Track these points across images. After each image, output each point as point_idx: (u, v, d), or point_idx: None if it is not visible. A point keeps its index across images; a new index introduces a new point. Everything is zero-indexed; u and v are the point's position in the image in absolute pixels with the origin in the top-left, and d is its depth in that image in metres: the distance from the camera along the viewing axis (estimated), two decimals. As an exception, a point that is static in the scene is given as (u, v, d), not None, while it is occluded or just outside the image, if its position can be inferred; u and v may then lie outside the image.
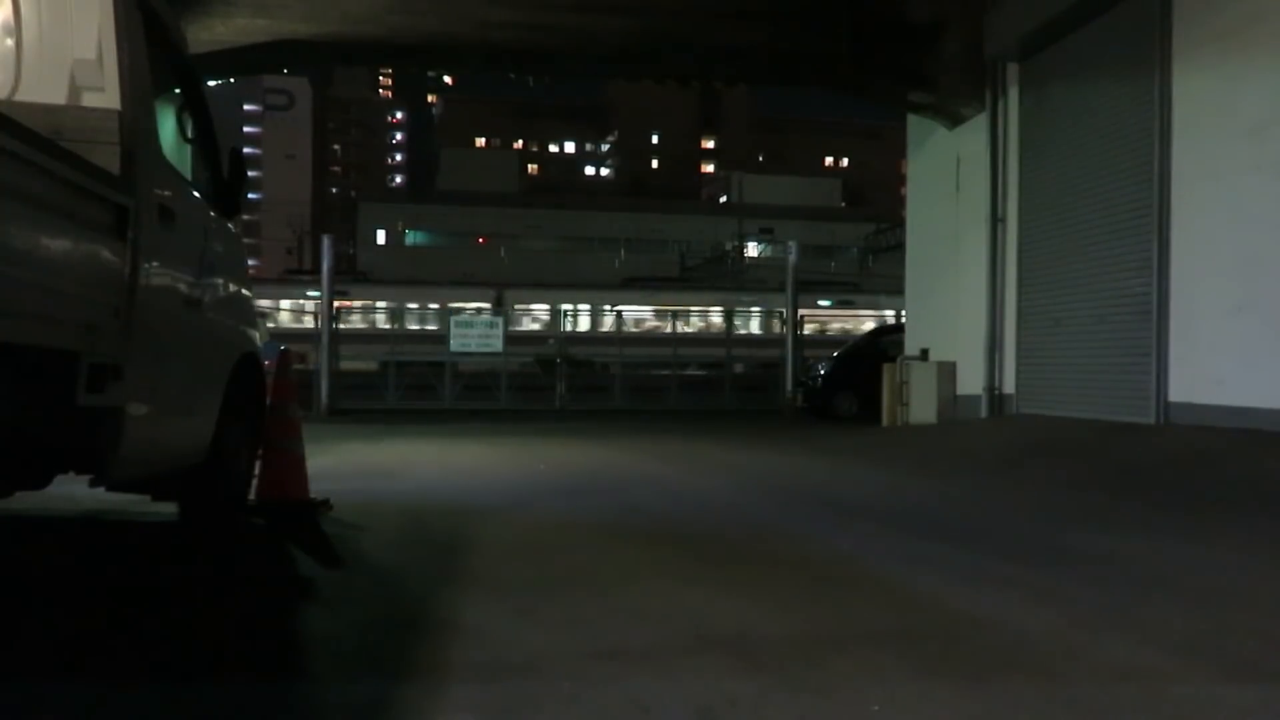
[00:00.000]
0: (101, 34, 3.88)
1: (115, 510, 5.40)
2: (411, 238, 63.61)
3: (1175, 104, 9.37)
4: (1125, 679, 2.80)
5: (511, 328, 20.61)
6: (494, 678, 2.76)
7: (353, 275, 34.63)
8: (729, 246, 52.04)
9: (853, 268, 54.51)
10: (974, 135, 12.84)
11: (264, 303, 23.82)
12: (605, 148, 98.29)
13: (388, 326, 25.86)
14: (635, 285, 34.79)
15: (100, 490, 3.93)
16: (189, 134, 4.76)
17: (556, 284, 33.53)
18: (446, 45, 13.15)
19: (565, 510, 6.16)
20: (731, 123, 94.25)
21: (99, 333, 3.49)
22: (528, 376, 20.03)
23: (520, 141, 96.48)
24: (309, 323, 22.49)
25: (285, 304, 29.80)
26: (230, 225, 5.12)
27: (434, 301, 29.20)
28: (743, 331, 28.43)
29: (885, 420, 13.93)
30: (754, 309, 30.16)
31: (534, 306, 30.80)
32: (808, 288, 32.31)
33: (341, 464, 8.40)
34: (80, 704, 2.53)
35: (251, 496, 5.48)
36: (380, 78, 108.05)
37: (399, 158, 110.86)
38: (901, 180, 23.31)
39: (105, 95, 3.87)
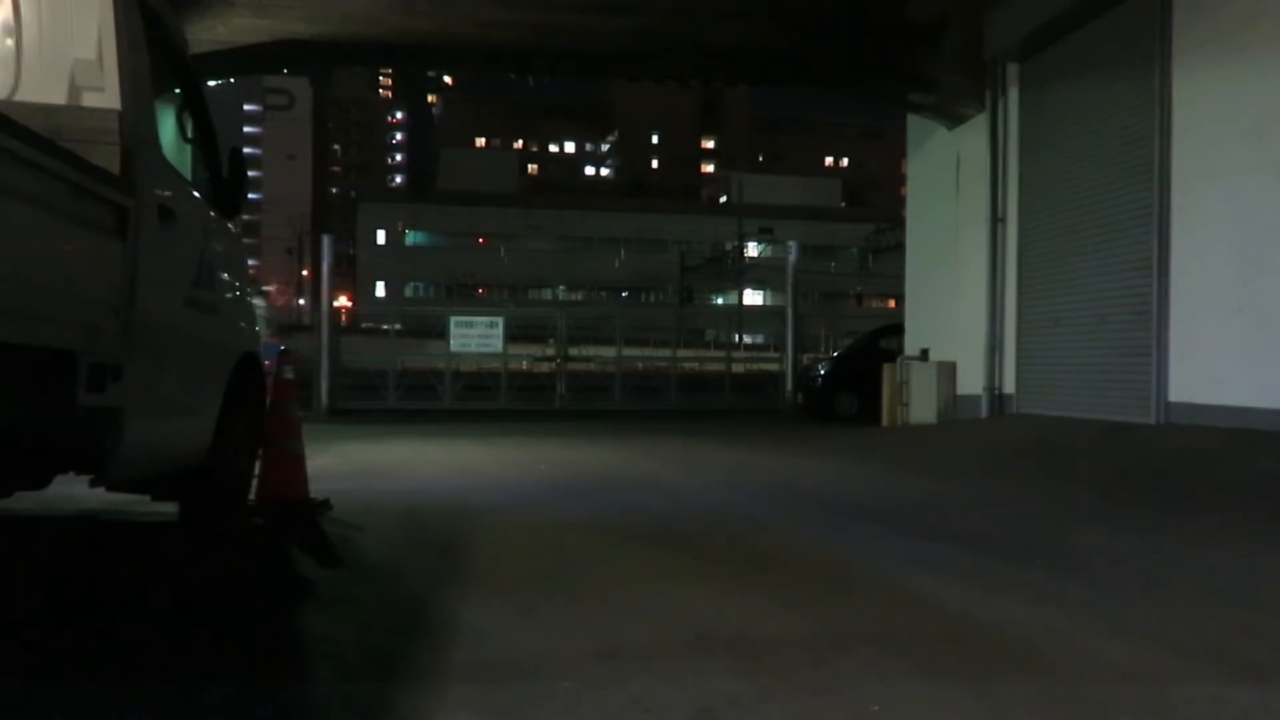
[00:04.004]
0: (101, 34, 3.88)
1: (115, 510, 5.40)
2: (411, 238, 63.64)
3: (1175, 104, 9.37)
4: (1126, 679, 2.80)
5: None
6: (494, 678, 2.76)
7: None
8: (729, 246, 52.04)
9: (853, 267, 54.60)
10: (974, 135, 12.84)
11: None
12: (605, 148, 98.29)
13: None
14: None
15: (100, 490, 3.94)
16: (189, 134, 4.76)
17: None
18: (446, 45, 13.14)
19: (565, 510, 6.16)
20: (731, 123, 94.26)
21: (99, 333, 3.49)
22: (528, 376, 19.98)
23: (520, 141, 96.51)
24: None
25: None
26: (230, 225, 5.12)
27: None
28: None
29: (885, 420, 13.93)
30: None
31: None
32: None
33: (341, 464, 8.40)
34: (80, 704, 2.53)
35: (251, 496, 5.48)
36: (380, 78, 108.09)
37: (399, 158, 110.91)
38: (901, 180, 23.30)
39: (105, 95, 3.87)
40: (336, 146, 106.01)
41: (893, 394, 13.84)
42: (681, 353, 19.89)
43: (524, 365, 20.06)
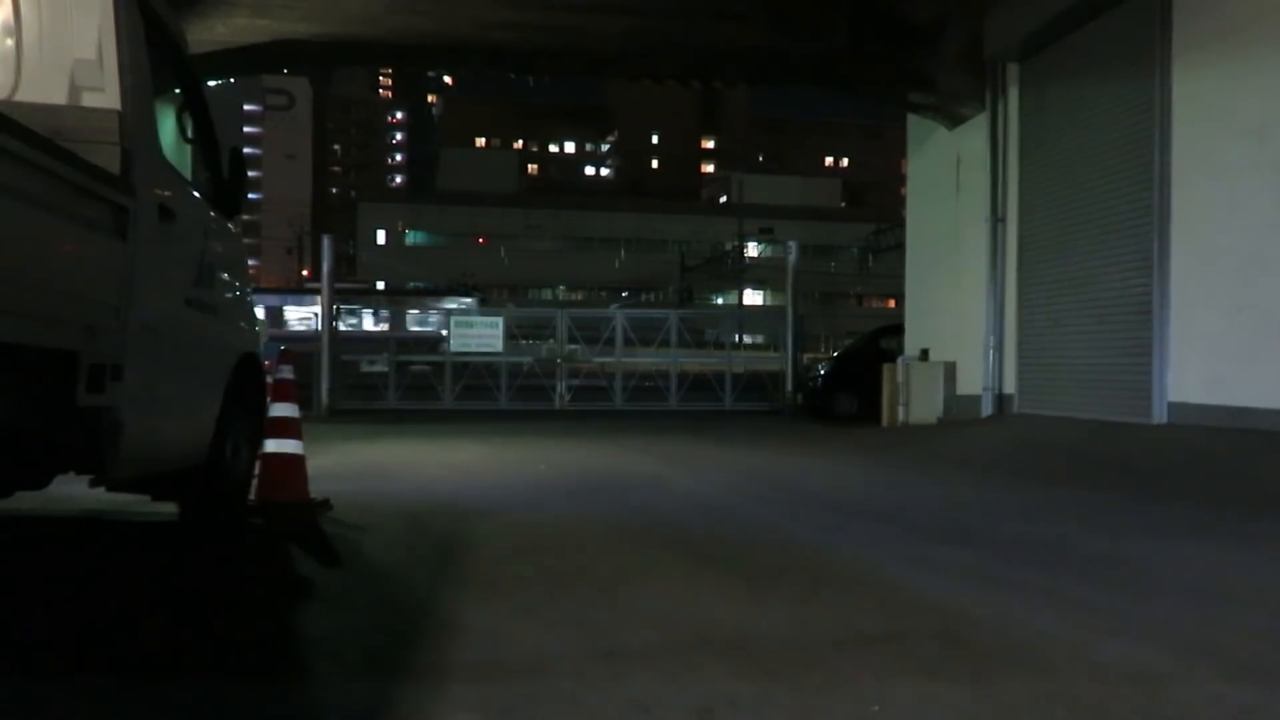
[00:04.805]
0: (101, 34, 3.89)
1: (115, 510, 5.40)
2: (411, 238, 63.69)
3: (1175, 104, 9.37)
4: (1126, 679, 2.79)
5: None
6: (494, 678, 2.76)
7: None
8: (729, 246, 52.04)
9: (853, 267, 54.65)
10: (974, 135, 12.84)
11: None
12: (605, 148, 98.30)
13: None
14: None
15: (100, 490, 3.94)
16: (189, 134, 4.76)
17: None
18: (446, 45, 13.14)
19: (566, 510, 6.16)
20: (731, 123, 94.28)
21: (99, 333, 3.49)
22: (529, 376, 19.96)
23: (520, 141, 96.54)
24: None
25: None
26: (230, 225, 5.12)
27: None
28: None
29: (885, 420, 13.92)
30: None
31: None
32: None
33: (341, 464, 8.39)
34: (79, 703, 2.53)
35: (251, 496, 5.48)
36: (380, 78, 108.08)
37: (399, 158, 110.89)
38: (901, 180, 23.26)
39: (105, 95, 3.87)
40: (336, 146, 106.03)
41: (893, 394, 13.84)
42: (681, 353, 19.88)
43: (524, 367, 20.03)
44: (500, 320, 18.67)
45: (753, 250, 52.13)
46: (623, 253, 62.58)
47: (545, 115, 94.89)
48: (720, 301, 56.95)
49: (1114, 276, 10.15)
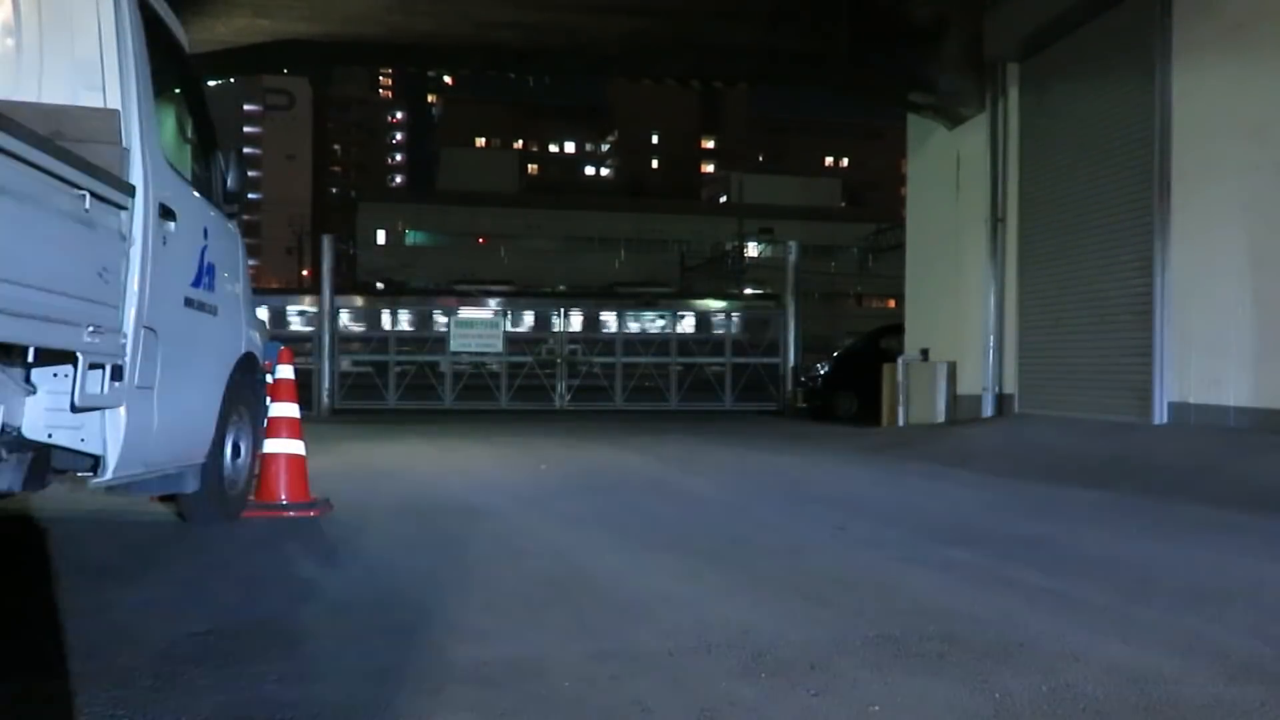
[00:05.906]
0: (101, 34, 3.89)
1: (115, 510, 5.40)
2: (411, 238, 63.69)
3: (1175, 104, 9.37)
4: (1126, 679, 2.79)
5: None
6: (495, 678, 2.76)
7: None
8: (729, 246, 52.02)
9: (853, 268, 54.63)
10: (974, 135, 12.85)
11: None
12: (605, 148, 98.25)
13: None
14: None
15: (100, 490, 3.93)
16: (189, 134, 4.77)
17: None
18: (446, 45, 13.16)
19: (567, 511, 6.16)
20: (731, 123, 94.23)
21: (99, 333, 3.50)
22: (529, 376, 20.00)
23: (520, 141, 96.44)
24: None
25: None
26: (230, 225, 5.13)
27: None
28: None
29: (885, 420, 13.93)
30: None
31: None
32: None
33: (341, 464, 8.40)
34: (78, 703, 2.52)
35: (251, 496, 5.48)
36: (380, 78, 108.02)
37: (399, 158, 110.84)
38: (901, 180, 23.26)
39: (105, 95, 3.88)
40: (336, 146, 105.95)
41: (892, 394, 13.84)
42: (680, 353, 19.90)
43: (524, 367, 20.06)
44: (500, 320, 18.68)
45: (753, 250, 52.11)
46: (623, 253, 62.55)
47: (545, 115, 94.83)
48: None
49: (1114, 276, 10.15)
